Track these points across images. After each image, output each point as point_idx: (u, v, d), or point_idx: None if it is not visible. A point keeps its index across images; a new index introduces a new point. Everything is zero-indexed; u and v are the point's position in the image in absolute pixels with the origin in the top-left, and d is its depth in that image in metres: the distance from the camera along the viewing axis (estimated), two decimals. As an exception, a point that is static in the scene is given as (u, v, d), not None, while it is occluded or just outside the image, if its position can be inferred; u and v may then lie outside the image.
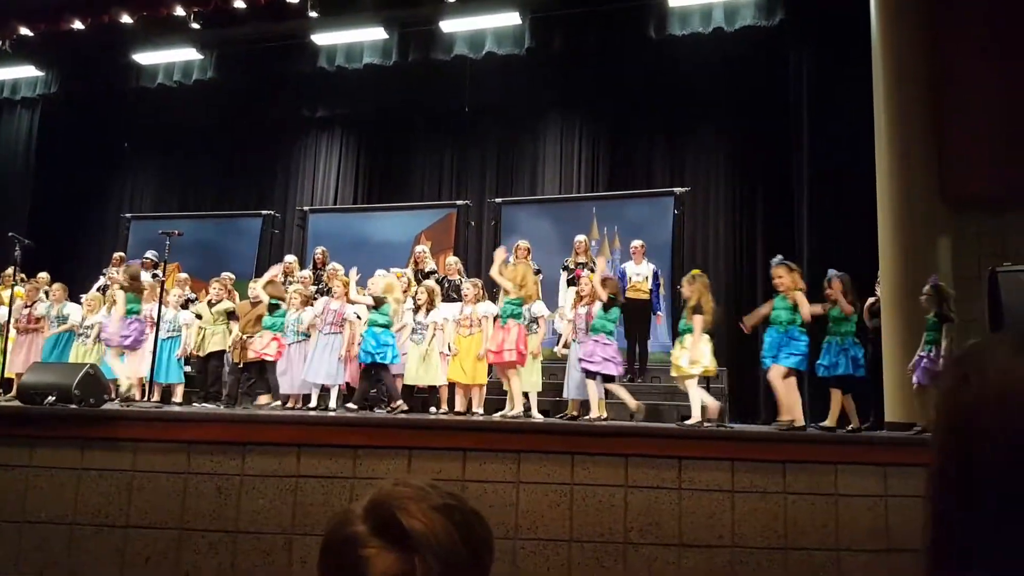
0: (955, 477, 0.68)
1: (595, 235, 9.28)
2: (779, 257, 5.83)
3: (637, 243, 7.94)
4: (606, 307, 6.03)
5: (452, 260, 7.94)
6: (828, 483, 4.51)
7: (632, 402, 5.98)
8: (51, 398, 5.22)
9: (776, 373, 5.46)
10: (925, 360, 5.51)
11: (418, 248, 8.24)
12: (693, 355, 5.58)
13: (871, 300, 6.27)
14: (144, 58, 10.58)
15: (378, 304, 6.48)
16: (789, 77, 8.99)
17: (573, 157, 10.51)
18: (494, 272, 6.60)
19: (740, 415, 7.86)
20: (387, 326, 6.46)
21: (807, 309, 5.51)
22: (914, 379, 5.59)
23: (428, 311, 6.79)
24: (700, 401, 5.59)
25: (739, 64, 9.30)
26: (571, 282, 7.63)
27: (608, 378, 5.98)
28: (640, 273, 7.69)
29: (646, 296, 7.69)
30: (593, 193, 10.15)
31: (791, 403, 5.43)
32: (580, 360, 5.99)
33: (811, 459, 4.61)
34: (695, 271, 6.03)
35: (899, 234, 6.86)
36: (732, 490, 4.53)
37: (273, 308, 7.09)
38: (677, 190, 9.26)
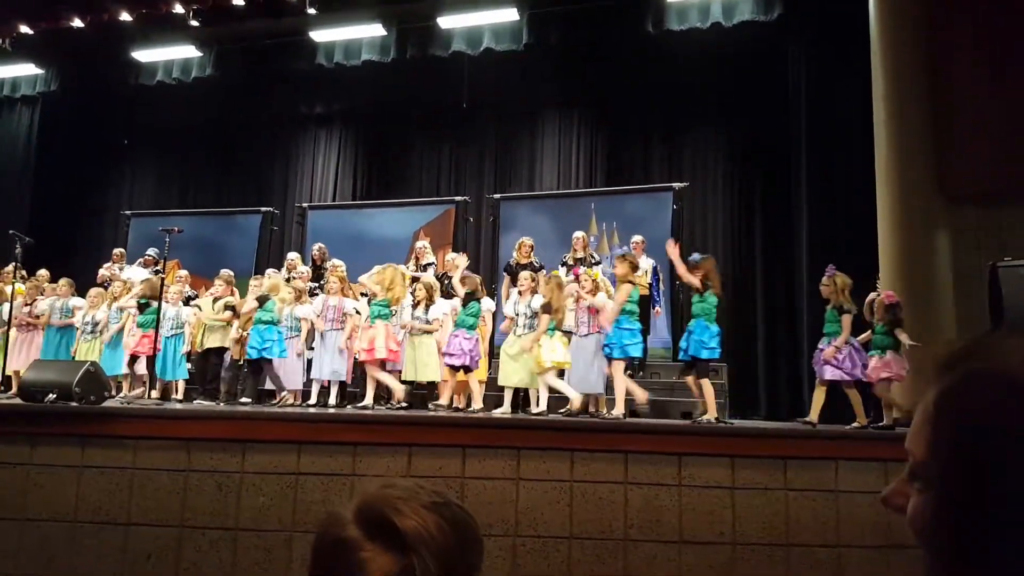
0: (973, 477, 0.66)
1: (594, 230, 9.27)
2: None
3: (637, 238, 7.95)
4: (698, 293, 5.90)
5: (451, 256, 7.93)
6: (829, 479, 4.51)
7: (641, 395, 6.02)
8: (52, 396, 5.23)
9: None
10: (819, 352, 5.71)
11: (418, 244, 8.23)
12: (546, 351, 6.00)
13: (872, 296, 6.26)
14: (143, 56, 10.57)
15: (261, 302, 6.77)
16: (788, 72, 8.98)
17: (571, 153, 10.49)
18: (455, 279, 6.81)
19: (740, 410, 7.88)
20: (271, 323, 6.70)
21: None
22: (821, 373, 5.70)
23: (427, 307, 6.78)
24: (625, 391, 5.86)
25: (737, 59, 9.28)
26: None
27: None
28: (641, 269, 7.67)
29: (645, 292, 7.68)
30: (591, 189, 10.13)
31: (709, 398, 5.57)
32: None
33: (812, 455, 4.62)
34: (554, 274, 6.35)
35: (898, 229, 6.86)
36: (733, 487, 4.53)
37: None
38: (676, 185, 9.24)
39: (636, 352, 6.05)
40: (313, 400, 6.88)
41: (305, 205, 11.11)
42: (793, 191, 8.82)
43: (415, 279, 7.21)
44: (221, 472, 4.58)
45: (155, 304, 7.01)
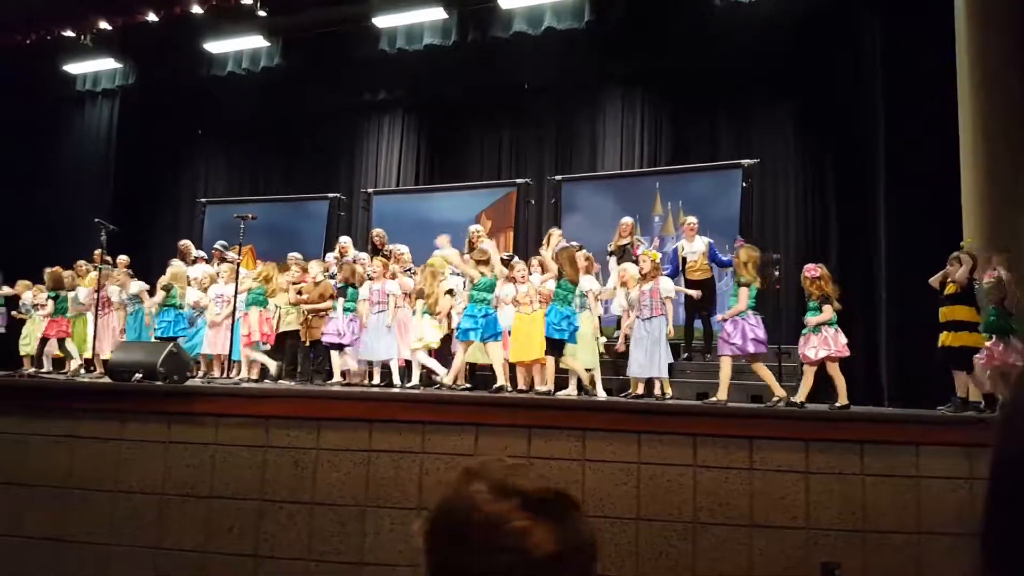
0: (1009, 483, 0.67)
1: (658, 211, 9.12)
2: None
3: (692, 220, 7.65)
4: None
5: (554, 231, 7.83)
6: (908, 464, 4.37)
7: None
8: (138, 375, 5.49)
9: None
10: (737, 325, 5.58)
11: (472, 227, 8.22)
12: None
13: (961, 270, 5.67)
14: (214, 47, 10.88)
15: (167, 291, 7.51)
16: (861, 39, 8.59)
17: (635, 131, 10.31)
18: (546, 253, 6.67)
19: (815, 395, 7.63)
20: (171, 306, 7.46)
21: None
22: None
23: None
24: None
25: (809, 28, 8.89)
26: (621, 261, 7.52)
27: None
28: (696, 251, 7.52)
29: (708, 275, 7.53)
30: (656, 168, 9.95)
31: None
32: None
33: (890, 440, 4.47)
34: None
35: (984, 206, 6.53)
36: (806, 471, 4.44)
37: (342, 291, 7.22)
38: (745, 162, 8.97)
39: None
40: (376, 380, 7.02)
41: (370, 191, 11.29)
42: (870, 165, 8.47)
43: (506, 263, 7.07)
44: (297, 448, 4.74)
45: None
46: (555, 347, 6.03)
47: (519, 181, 10.53)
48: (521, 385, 6.61)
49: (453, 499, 0.93)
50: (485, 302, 6.28)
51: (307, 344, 7.46)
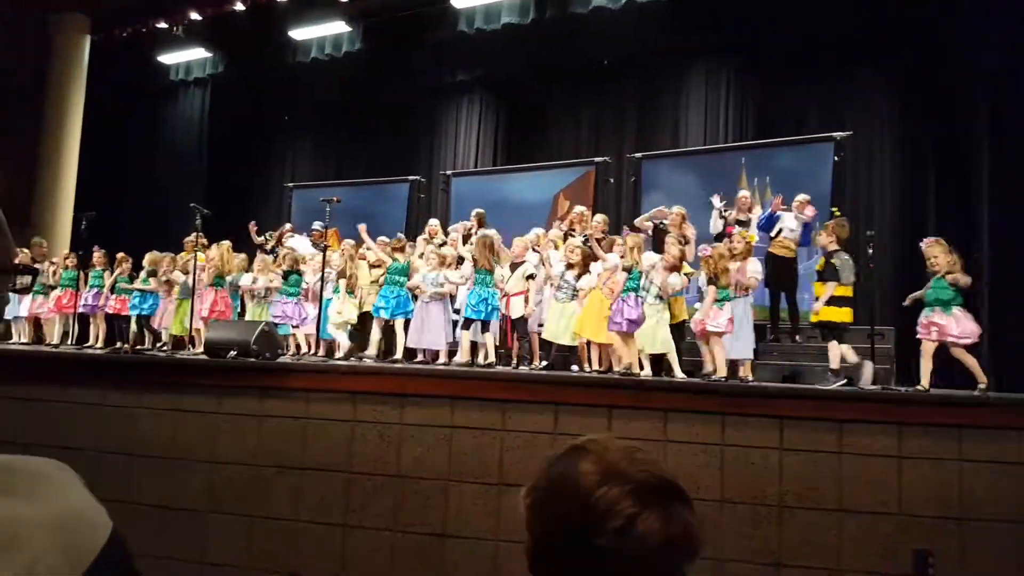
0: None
1: (744, 187, 8.84)
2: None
3: (802, 197, 7.29)
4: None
5: (600, 218, 7.85)
6: (1013, 451, 4.14)
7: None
8: (233, 352, 5.77)
9: None
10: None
11: (577, 208, 8.13)
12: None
13: None
14: (298, 34, 11.20)
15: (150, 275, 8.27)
16: (965, 2, 8.04)
17: (719, 105, 10.00)
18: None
19: (909, 378, 7.29)
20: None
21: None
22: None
23: (580, 274, 6.77)
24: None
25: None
26: (719, 237, 7.34)
27: None
28: (795, 230, 7.23)
29: (791, 254, 7.26)
30: (741, 142, 9.63)
31: None
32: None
33: (991, 424, 4.25)
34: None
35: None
36: (899, 455, 4.27)
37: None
38: (837, 135, 8.56)
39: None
40: (443, 360, 7.15)
41: (449, 172, 11.41)
42: (972, 137, 7.96)
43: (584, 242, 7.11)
44: (383, 423, 4.88)
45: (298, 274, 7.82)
46: (468, 326, 6.81)
47: (598, 160, 10.42)
48: (597, 365, 6.59)
49: (560, 476, 0.93)
50: (398, 284, 7.24)
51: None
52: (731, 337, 5.95)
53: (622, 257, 6.25)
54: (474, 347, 7.04)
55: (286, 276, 7.82)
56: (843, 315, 5.68)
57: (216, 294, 7.87)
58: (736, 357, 6.06)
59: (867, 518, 4.24)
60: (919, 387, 5.13)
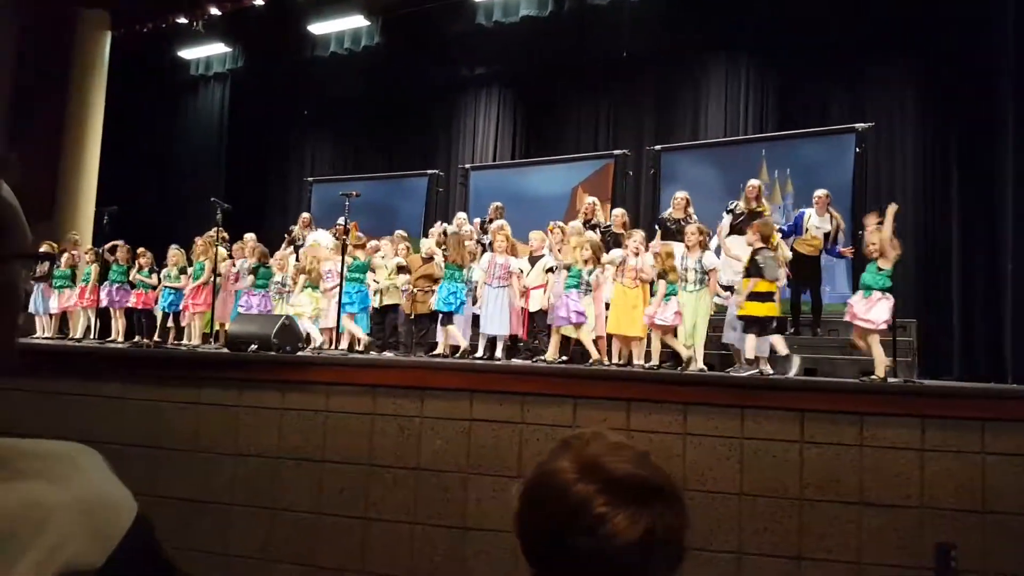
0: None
1: (765, 179, 8.74)
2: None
3: (821, 192, 7.26)
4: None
5: (618, 212, 7.84)
6: (1036, 444, 4.08)
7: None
8: (254, 346, 5.82)
9: None
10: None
11: (588, 199, 8.16)
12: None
13: None
14: (317, 28, 11.24)
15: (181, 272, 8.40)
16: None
17: (739, 97, 9.92)
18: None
19: (932, 370, 7.23)
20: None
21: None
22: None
23: (592, 268, 6.76)
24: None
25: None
26: (735, 230, 7.28)
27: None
28: (820, 227, 7.18)
29: (817, 253, 7.22)
30: (762, 134, 9.55)
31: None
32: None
33: (1014, 417, 4.19)
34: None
35: None
36: (921, 448, 4.23)
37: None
38: (858, 126, 8.45)
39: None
40: (480, 353, 7.15)
41: (467, 166, 11.41)
42: (996, 127, 7.83)
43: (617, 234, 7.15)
44: (403, 416, 4.91)
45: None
46: (447, 320, 7.04)
47: (616, 152, 10.37)
48: (616, 359, 6.58)
49: (542, 473, 0.91)
50: (359, 280, 7.49)
51: (411, 317, 7.69)
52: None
53: (560, 252, 6.75)
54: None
55: (255, 270, 8.08)
56: (767, 309, 5.89)
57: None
58: (759, 353, 6.02)
59: (889, 511, 4.21)
60: (873, 376, 5.15)
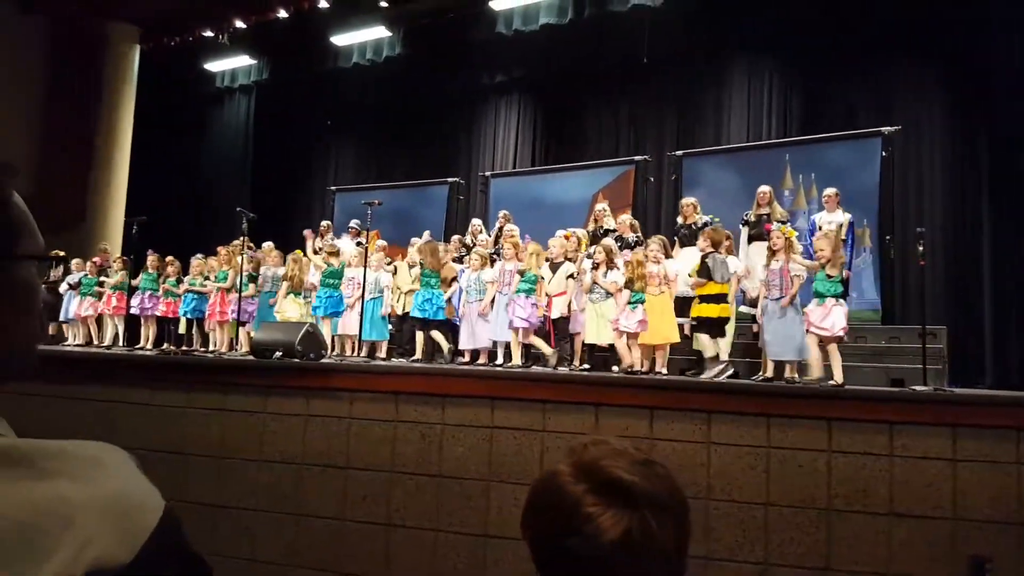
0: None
1: (789, 184, 8.66)
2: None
3: (831, 191, 7.25)
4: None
5: (625, 218, 7.82)
6: (1075, 454, 3.97)
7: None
8: (278, 353, 5.86)
9: None
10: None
11: (598, 206, 8.17)
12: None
13: None
14: (340, 40, 11.36)
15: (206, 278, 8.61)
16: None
17: (762, 101, 9.82)
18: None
19: (963, 378, 7.08)
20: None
21: None
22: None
23: (607, 271, 6.73)
24: None
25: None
26: (754, 237, 7.20)
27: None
28: (832, 223, 7.09)
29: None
30: (786, 139, 9.44)
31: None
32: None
33: (1052, 427, 4.08)
34: None
35: None
36: (954, 458, 4.13)
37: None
38: (885, 129, 8.34)
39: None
40: (500, 360, 7.14)
41: (487, 174, 11.44)
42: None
43: (593, 242, 7.21)
44: (424, 423, 4.91)
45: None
46: (425, 325, 7.42)
47: (638, 158, 10.34)
48: (638, 367, 6.52)
49: (544, 478, 0.93)
50: (332, 286, 7.79)
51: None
52: (777, 336, 5.83)
53: (520, 259, 6.96)
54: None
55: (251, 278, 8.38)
56: (719, 310, 6.01)
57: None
58: (784, 359, 5.94)
59: (920, 522, 4.12)
60: (831, 382, 5.10)
